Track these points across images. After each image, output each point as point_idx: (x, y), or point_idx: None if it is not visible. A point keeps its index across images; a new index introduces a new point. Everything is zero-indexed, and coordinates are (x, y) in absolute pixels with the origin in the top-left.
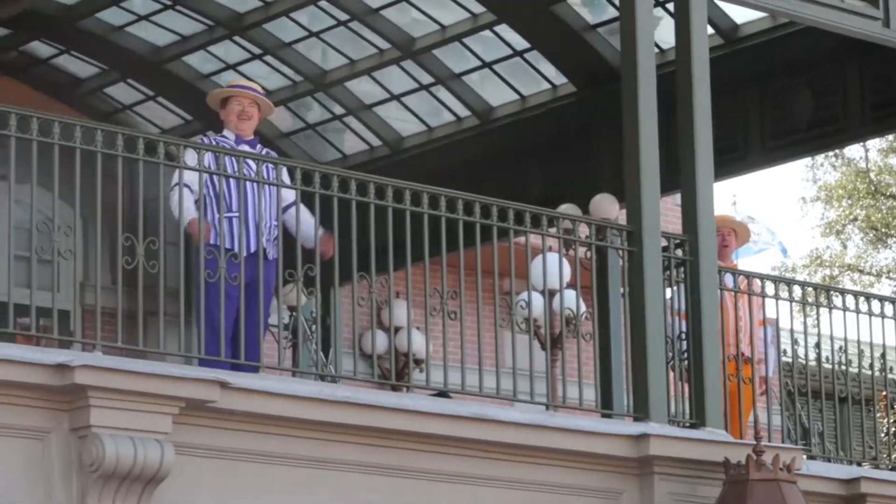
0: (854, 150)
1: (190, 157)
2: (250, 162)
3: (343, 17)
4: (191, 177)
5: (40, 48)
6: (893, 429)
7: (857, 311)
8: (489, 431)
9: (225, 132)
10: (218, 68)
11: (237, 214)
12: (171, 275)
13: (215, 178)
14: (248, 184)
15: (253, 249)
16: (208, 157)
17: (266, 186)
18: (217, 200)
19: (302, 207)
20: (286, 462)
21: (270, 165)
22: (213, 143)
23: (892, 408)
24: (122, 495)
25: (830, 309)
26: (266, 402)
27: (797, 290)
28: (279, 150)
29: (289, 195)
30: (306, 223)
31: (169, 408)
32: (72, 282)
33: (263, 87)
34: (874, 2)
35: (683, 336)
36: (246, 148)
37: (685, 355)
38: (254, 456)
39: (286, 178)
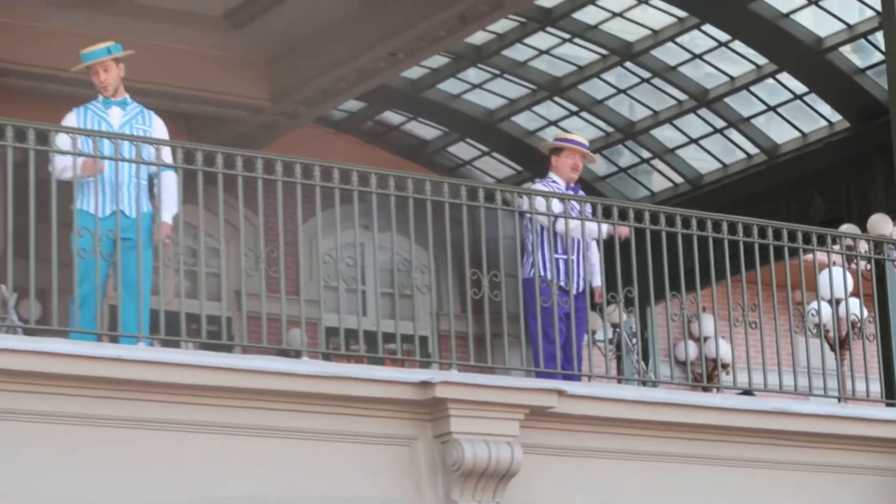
0: None
1: (539, 204)
2: (575, 205)
3: (646, 74)
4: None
5: (391, 117)
6: None
7: None
8: (790, 423)
9: (554, 177)
10: (541, 125)
11: (567, 257)
12: (510, 301)
13: (557, 223)
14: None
15: (581, 289)
16: (541, 201)
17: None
18: (554, 241)
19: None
20: (615, 457)
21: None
22: (546, 186)
23: None
24: (479, 490)
25: None
26: (597, 406)
27: None
28: (597, 192)
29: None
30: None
31: (516, 414)
32: (428, 312)
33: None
34: None
35: None
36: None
37: None
38: (589, 452)
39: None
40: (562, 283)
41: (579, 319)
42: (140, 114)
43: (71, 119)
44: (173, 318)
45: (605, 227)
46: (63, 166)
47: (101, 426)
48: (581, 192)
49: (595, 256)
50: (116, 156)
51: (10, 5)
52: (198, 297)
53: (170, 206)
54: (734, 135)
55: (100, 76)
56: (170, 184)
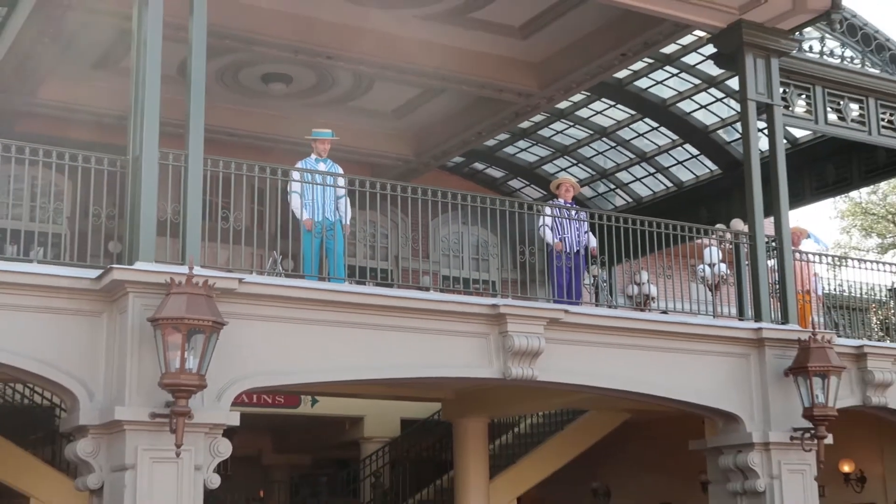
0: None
1: (548, 212)
2: (561, 211)
3: (613, 144)
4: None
5: (479, 165)
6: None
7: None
8: (686, 329)
9: (560, 199)
10: (558, 170)
11: (566, 236)
12: (539, 262)
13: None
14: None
15: (576, 251)
16: (556, 212)
17: (575, 223)
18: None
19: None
20: (595, 346)
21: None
22: (555, 203)
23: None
24: (522, 362)
25: (842, 267)
26: (585, 319)
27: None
28: (585, 205)
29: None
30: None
31: (541, 321)
32: (496, 268)
33: (577, 178)
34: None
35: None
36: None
37: (777, 289)
38: (581, 343)
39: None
40: (567, 250)
41: (577, 270)
42: (333, 166)
43: (299, 165)
44: (363, 270)
45: (586, 226)
46: (297, 202)
47: (324, 326)
48: (574, 204)
49: (590, 237)
50: (338, 185)
51: (285, 106)
52: (376, 258)
53: (348, 215)
54: (659, 176)
55: (325, 144)
56: (347, 204)
